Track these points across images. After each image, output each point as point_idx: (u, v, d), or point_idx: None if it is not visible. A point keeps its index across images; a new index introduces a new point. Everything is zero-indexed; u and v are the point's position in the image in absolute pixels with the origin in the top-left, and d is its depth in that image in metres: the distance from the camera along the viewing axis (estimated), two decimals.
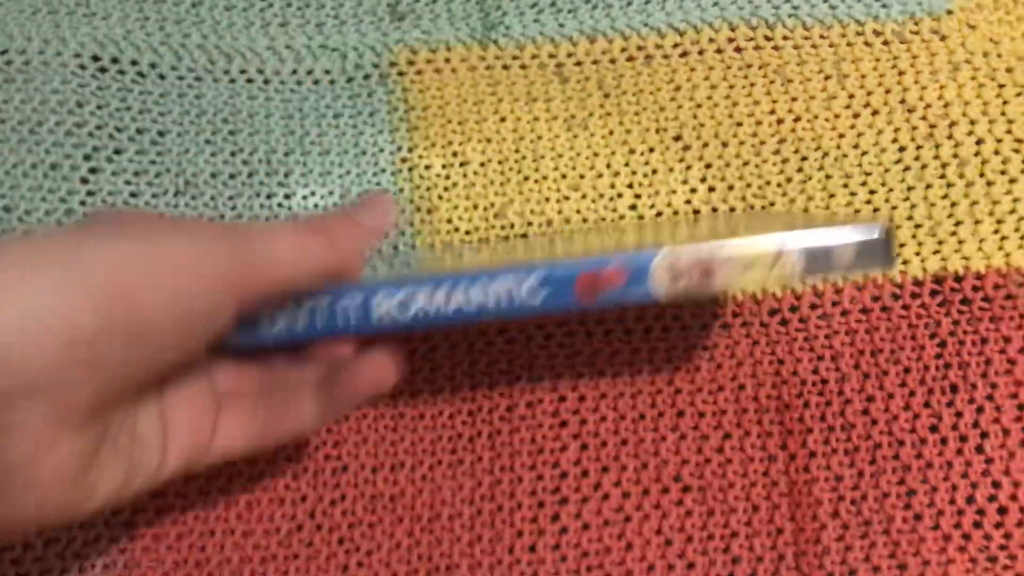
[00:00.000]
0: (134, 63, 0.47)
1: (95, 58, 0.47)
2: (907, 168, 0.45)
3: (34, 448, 0.22)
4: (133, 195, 0.45)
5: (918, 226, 0.45)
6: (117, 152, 0.46)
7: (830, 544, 0.41)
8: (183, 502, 0.41)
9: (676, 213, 0.45)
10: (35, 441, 0.22)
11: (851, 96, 0.46)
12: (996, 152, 0.45)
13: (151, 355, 0.24)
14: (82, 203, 0.45)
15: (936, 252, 0.44)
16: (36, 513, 0.24)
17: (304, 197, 0.45)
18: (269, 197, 0.45)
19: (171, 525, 0.41)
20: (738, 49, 0.47)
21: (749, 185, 0.46)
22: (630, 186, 0.46)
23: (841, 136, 0.46)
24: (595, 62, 0.47)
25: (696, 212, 0.45)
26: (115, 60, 0.47)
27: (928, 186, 0.45)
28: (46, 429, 0.22)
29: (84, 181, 0.45)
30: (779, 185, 0.46)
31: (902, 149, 0.46)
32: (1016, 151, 0.45)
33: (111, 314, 0.22)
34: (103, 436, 0.25)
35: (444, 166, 0.46)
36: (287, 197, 0.45)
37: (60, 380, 0.22)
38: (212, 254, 0.24)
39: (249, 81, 0.47)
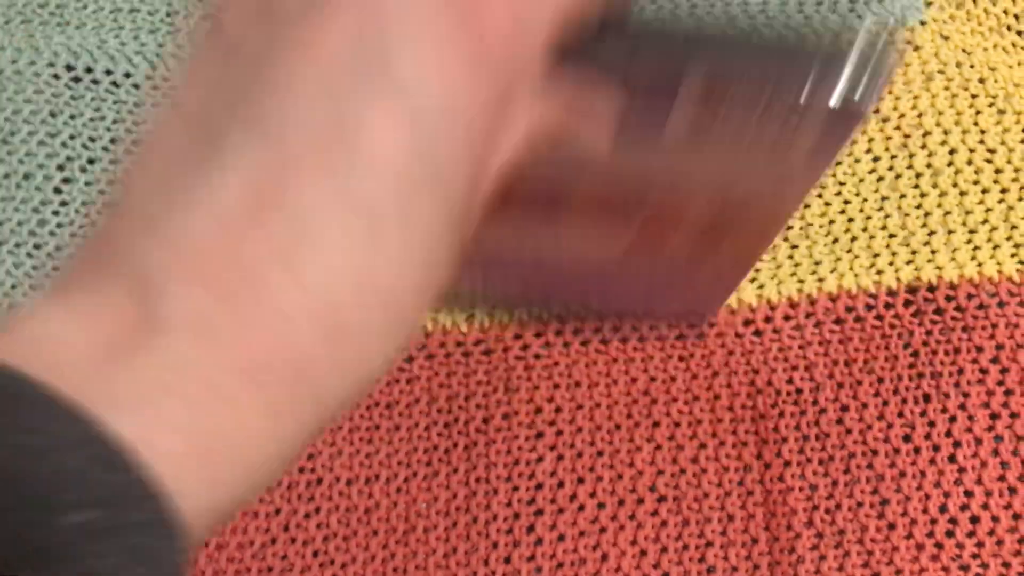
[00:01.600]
0: (108, 73, 0.47)
1: (69, 67, 0.47)
2: (881, 178, 0.46)
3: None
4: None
5: (891, 236, 0.45)
6: (91, 162, 0.46)
7: (804, 553, 0.41)
8: None
9: None
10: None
11: None
12: (969, 162, 0.46)
13: None
14: (55, 213, 0.45)
15: (909, 262, 0.44)
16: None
17: None
18: None
19: None
20: None
21: None
22: None
23: None
24: None
25: None
26: (89, 70, 0.47)
27: (902, 195, 0.45)
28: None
29: (57, 191, 0.45)
30: None
31: (876, 159, 0.46)
32: (988, 161, 0.45)
33: None
34: None
35: None
36: None
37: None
38: None
39: None
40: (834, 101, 0.22)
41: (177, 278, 0.18)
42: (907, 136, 0.46)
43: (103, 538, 0.15)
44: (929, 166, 0.46)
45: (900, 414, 0.42)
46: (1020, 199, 0.45)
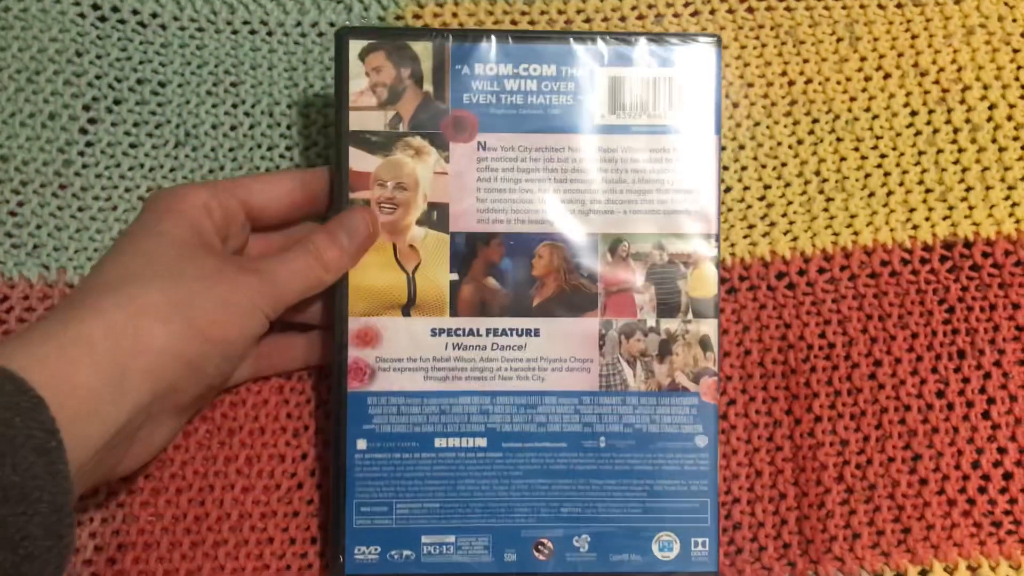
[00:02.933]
0: (135, 12, 0.46)
1: (95, 7, 0.46)
2: (918, 132, 0.45)
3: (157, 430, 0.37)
4: (132, 146, 0.44)
5: (929, 191, 0.44)
6: (116, 102, 0.45)
7: (834, 508, 0.41)
8: (183, 456, 0.41)
9: None
10: (165, 425, 0.37)
11: (863, 59, 0.46)
12: (1009, 118, 0.45)
13: (227, 363, 0.37)
14: (80, 153, 0.44)
15: (946, 218, 0.44)
16: (128, 467, 0.36)
17: (306, 148, 0.45)
18: (270, 149, 0.45)
19: (170, 480, 0.40)
20: (750, 9, 0.47)
21: (760, 145, 0.45)
22: None
23: (852, 99, 0.45)
24: (604, 19, 0.47)
25: None
26: (115, 9, 0.46)
27: (939, 151, 0.45)
28: (171, 418, 0.37)
29: (83, 131, 0.44)
30: (790, 147, 0.45)
31: (914, 113, 0.45)
32: None
33: (207, 344, 0.34)
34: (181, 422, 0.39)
35: None
36: (288, 149, 0.45)
37: (181, 388, 0.35)
38: (247, 288, 0.36)
39: (252, 32, 0.46)
40: None
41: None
42: (945, 91, 0.45)
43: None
44: (968, 121, 0.45)
45: (934, 370, 0.42)
46: None
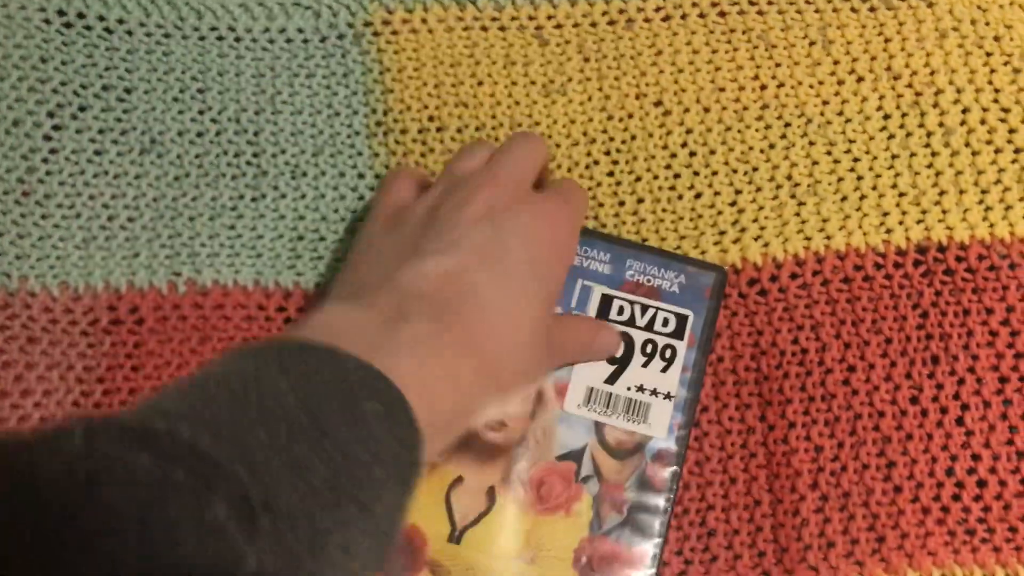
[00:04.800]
0: (101, 18, 0.46)
1: (60, 13, 0.46)
2: (892, 136, 0.45)
3: None
4: (97, 153, 0.44)
5: (902, 195, 0.44)
6: (82, 109, 0.44)
7: (809, 516, 0.40)
8: None
9: (655, 177, 0.44)
10: None
11: (836, 62, 0.46)
12: (982, 121, 0.44)
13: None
14: (44, 160, 0.44)
15: (920, 221, 0.43)
16: None
17: (273, 156, 0.44)
18: (237, 156, 0.44)
19: None
20: (722, 14, 0.46)
21: (731, 150, 0.45)
22: (607, 153, 0.45)
23: (825, 103, 0.45)
24: (575, 25, 0.46)
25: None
26: (81, 15, 0.46)
27: (913, 155, 0.44)
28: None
29: (47, 138, 0.44)
30: (762, 151, 0.45)
31: (887, 117, 0.45)
32: (1002, 120, 0.44)
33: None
34: None
35: (420, 131, 0.45)
36: (255, 156, 0.44)
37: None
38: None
39: (220, 38, 0.46)
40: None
41: (412, 297, 0.34)
42: (919, 94, 0.45)
43: (382, 420, 0.29)
44: (941, 124, 0.44)
45: (908, 376, 0.41)
46: None
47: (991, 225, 0.43)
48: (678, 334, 0.41)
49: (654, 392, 0.40)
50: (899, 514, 0.40)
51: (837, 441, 0.41)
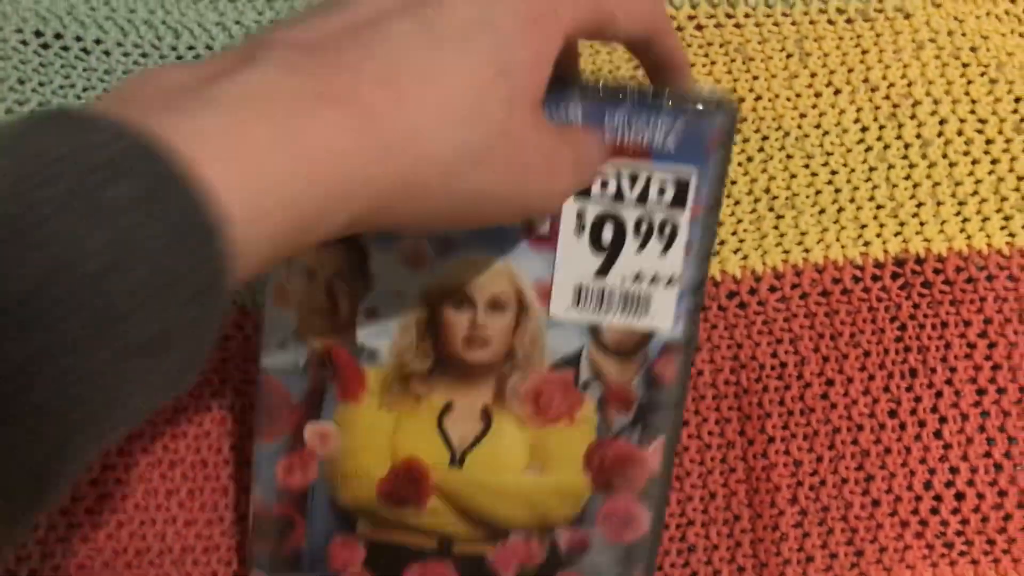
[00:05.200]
0: (78, 39, 0.46)
1: (38, 33, 0.46)
2: (869, 148, 0.45)
3: None
4: None
5: (880, 207, 0.44)
6: None
7: (787, 531, 0.40)
8: (123, 490, 0.40)
9: None
10: None
11: (813, 75, 0.46)
12: (959, 133, 0.44)
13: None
14: None
15: (897, 234, 0.43)
16: None
17: None
18: None
19: (110, 514, 0.40)
20: (699, 27, 0.46)
21: None
22: None
23: (803, 115, 0.45)
24: None
25: None
26: (58, 36, 0.46)
27: (890, 166, 0.44)
28: None
29: None
30: (739, 164, 0.45)
31: (864, 129, 0.45)
32: (979, 132, 0.44)
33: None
34: None
35: None
36: None
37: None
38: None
39: (197, 57, 0.46)
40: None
41: (277, 46, 0.25)
42: (896, 106, 0.45)
43: (137, 208, 0.20)
44: (918, 136, 0.45)
45: (886, 389, 0.42)
46: (1011, 170, 0.44)
47: (968, 237, 0.43)
48: (679, 202, 0.34)
49: (654, 279, 0.34)
50: (878, 528, 0.40)
51: (816, 455, 0.41)
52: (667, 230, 0.34)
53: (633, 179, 0.33)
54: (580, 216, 0.34)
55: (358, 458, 0.36)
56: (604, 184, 0.33)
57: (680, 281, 0.34)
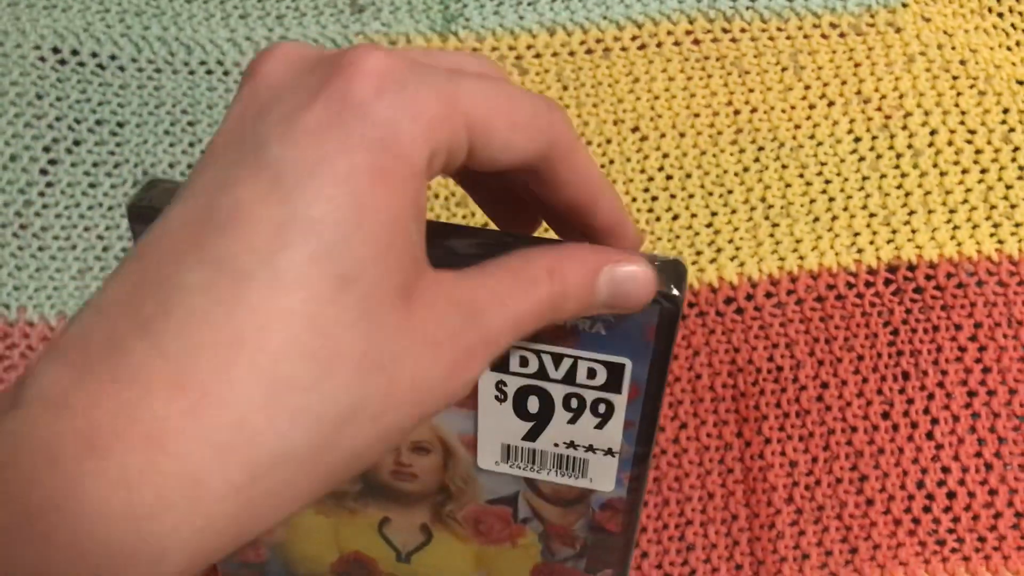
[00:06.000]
0: (94, 55, 0.47)
1: (55, 50, 0.47)
2: (862, 158, 0.46)
3: None
4: (92, 186, 0.45)
5: (872, 215, 0.45)
6: (76, 143, 0.46)
7: (784, 529, 0.42)
8: None
9: (633, 200, 0.46)
10: None
11: (807, 87, 0.47)
12: (949, 143, 0.46)
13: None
14: (40, 194, 0.45)
15: (889, 241, 0.45)
16: None
17: None
18: None
19: None
20: (696, 42, 0.48)
21: (707, 174, 0.46)
22: None
23: (797, 127, 0.46)
24: (554, 54, 0.48)
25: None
26: (75, 52, 0.47)
27: (883, 176, 0.46)
28: None
29: (43, 172, 0.45)
30: (736, 174, 0.46)
31: (857, 140, 0.46)
32: (969, 142, 0.46)
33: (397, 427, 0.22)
34: None
35: None
36: None
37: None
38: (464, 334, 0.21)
39: (208, 73, 0.47)
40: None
41: (53, 362, 0.18)
42: (888, 117, 0.46)
43: None
44: (910, 146, 0.46)
45: (879, 392, 0.43)
46: (999, 179, 0.45)
47: (959, 244, 0.44)
48: (613, 387, 0.28)
49: (590, 448, 0.29)
50: (871, 526, 0.41)
51: (811, 456, 0.42)
52: (601, 409, 0.28)
53: (557, 360, 0.27)
54: (500, 386, 0.28)
55: (305, 548, 0.36)
56: (524, 362, 0.27)
57: (621, 453, 0.29)
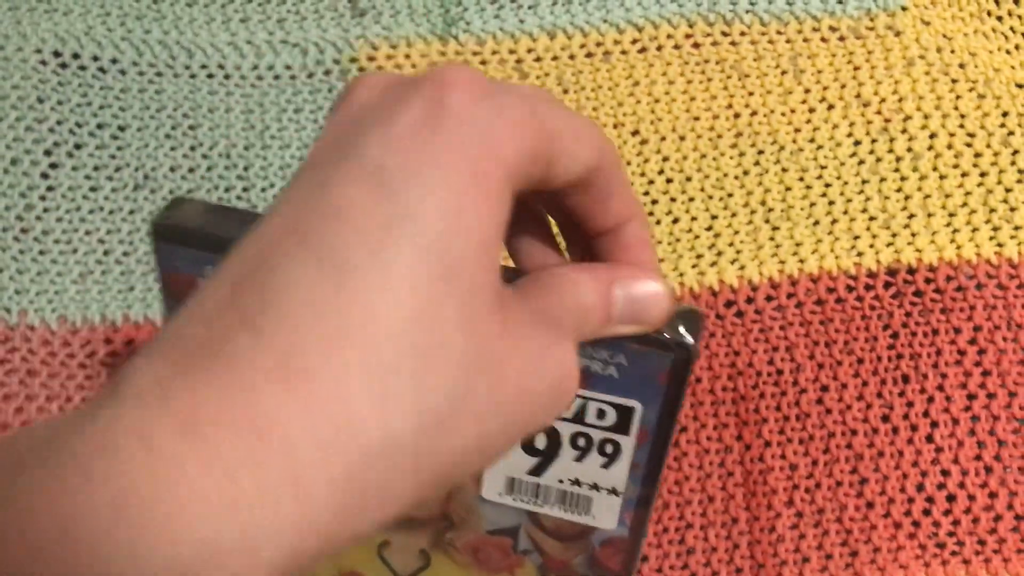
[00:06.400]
0: (95, 59, 0.47)
1: (56, 54, 0.47)
2: (862, 162, 0.46)
3: None
4: (93, 189, 0.45)
5: (872, 219, 0.45)
6: (77, 147, 0.46)
7: (784, 532, 0.42)
8: None
9: None
10: None
11: (807, 91, 0.47)
12: (949, 146, 0.46)
13: None
14: (42, 198, 0.45)
15: (890, 244, 0.45)
16: None
17: (263, 190, 0.46)
18: (227, 191, 0.46)
19: None
20: (696, 45, 0.48)
21: (707, 177, 0.46)
22: None
23: (797, 130, 0.47)
24: (554, 58, 0.48)
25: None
26: (76, 56, 0.47)
27: (882, 179, 0.46)
28: None
29: (44, 176, 0.45)
30: (736, 178, 0.46)
31: (857, 143, 0.46)
32: (968, 145, 0.46)
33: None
34: None
35: None
36: (245, 191, 0.46)
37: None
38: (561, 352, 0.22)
39: (210, 76, 0.47)
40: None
41: (154, 358, 0.18)
42: (887, 120, 0.46)
43: None
44: (909, 150, 0.46)
45: (879, 395, 0.43)
46: (999, 182, 0.45)
47: (958, 247, 0.44)
48: (621, 429, 0.28)
49: (595, 487, 0.29)
50: (871, 529, 0.41)
51: (811, 459, 0.42)
52: (608, 449, 0.29)
53: None
54: None
55: None
56: None
57: (625, 493, 0.30)
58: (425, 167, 0.19)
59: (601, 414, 0.28)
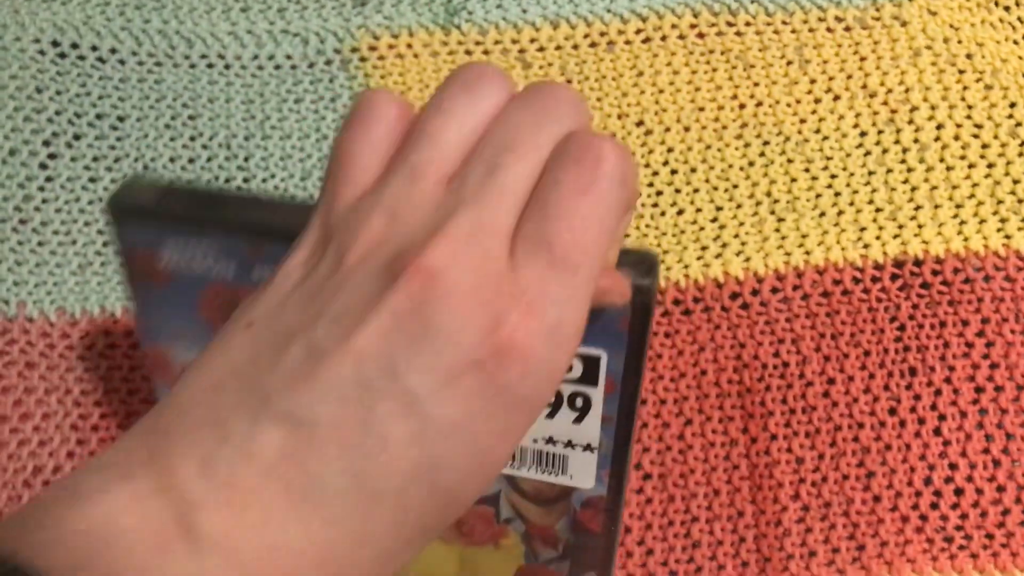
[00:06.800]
0: (94, 48, 0.47)
1: (55, 43, 0.47)
2: (868, 153, 0.46)
3: None
4: (92, 180, 0.45)
5: (879, 210, 0.45)
6: (76, 138, 0.45)
7: (790, 526, 0.41)
8: None
9: (638, 195, 0.45)
10: None
11: (813, 81, 0.47)
12: (956, 137, 0.45)
13: None
14: (40, 188, 0.45)
15: (896, 236, 0.44)
16: None
17: (264, 180, 0.45)
18: (228, 181, 0.45)
19: None
20: (700, 35, 0.48)
21: (712, 168, 0.46)
22: None
23: (803, 121, 0.46)
24: (558, 48, 0.47)
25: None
26: (75, 45, 0.47)
27: (889, 171, 0.45)
28: None
29: (43, 167, 0.45)
30: (741, 169, 0.46)
31: (863, 134, 0.46)
32: (975, 136, 0.45)
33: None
34: None
35: None
36: (246, 181, 0.45)
37: None
38: None
39: (210, 66, 0.47)
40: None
41: (213, 503, 0.20)
42: (894, 111, 0.46)
43: None
44: (916, 141, 0.46)
45: (886, 387, 0.42)
46: (1006, 174, 0.45)
47: (965, 239, 0.44)
48: (589, 380, 0.28)
49: (569, 444, 0.30)
50: (879, 523, 0.41)
51: (818, 452, 0.42)
52: (579, 402, 0.29)
53: None
54: None
55: None
56: None
57: (600, 448, 0.30)
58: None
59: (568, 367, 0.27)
